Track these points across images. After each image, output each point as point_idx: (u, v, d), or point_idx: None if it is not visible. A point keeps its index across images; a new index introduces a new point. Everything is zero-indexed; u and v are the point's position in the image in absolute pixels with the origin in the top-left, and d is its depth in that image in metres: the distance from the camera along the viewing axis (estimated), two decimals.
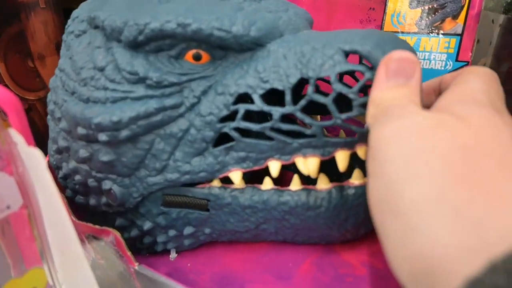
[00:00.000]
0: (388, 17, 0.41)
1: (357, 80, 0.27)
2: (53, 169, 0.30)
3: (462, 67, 0.39)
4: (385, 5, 0.40)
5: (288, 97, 0.23)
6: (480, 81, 0.18)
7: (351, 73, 0.28)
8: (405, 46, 0.21)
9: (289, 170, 0.29)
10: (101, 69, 0.25)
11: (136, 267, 0.26)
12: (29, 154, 0.18)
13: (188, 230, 0.27)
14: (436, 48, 0.40)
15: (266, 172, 0.25)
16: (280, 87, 0.23)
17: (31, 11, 0.47)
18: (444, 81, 0.21)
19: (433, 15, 0.39)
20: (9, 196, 0.18)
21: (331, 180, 0.25)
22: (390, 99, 0.18)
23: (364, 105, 0.21)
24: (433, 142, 0.15)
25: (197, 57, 0.24)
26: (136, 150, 0.25)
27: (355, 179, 0.24)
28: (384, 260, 0.26)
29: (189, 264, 0.28)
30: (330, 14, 0.43)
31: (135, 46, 0.24)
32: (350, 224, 0.25)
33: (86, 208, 0.28)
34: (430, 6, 0.39)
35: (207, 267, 0.27)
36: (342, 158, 0.23)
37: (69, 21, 0.29)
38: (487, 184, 0.13)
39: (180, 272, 0.27)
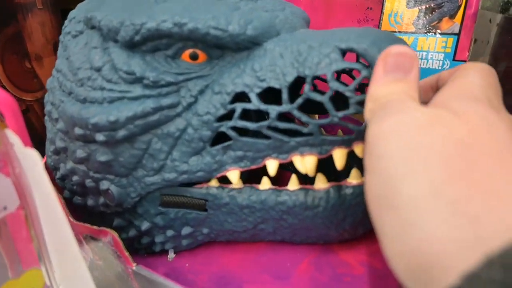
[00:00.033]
0: (386, 17, 0.41)
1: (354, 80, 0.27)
2: (51, 170, 0.30)
3: None
4: (383, 4, 0.41)
5: (285, 96, 0.23)
6: (477, 76, 0.18)
7: (349, 72, 0.29)
8: (402, 44, 0.21)
9: (287, 170, 0.29)
10: (98, 69, 0.25)
11: (134, 268, 0.26)
12: (25, 155, 0.18)
13: (186, 230, 0.27)
14: (434, 47, 0.40)
15: (264, 172, 0.25)
16: (277, 86, 0.23)
17: (28, 12, 0.47)
18: (442, 78, 0.22)
19: (430, 15, 0.39)
20: (6, 197, 0.18)
21: (329, 180, 0.25)
22: (388, 94, 0.18)
23: (360, 103, 0.21)
24: (431, 138, 0.15)
25: (194, 57, 0.24)
26: (134, 150, 0.25)
27: (353, 179, 0.24)
28: (382, 259, 0.27)
29: (187, 264, 0.28)
30: (328, 14, 0.43)
31: (131, 46, 0.24)
32: (348, 223, 0.25)
33: (84, 208, 0.28)
34: (427, 6, 0.39)
35: (205, 267, 0.27)
36: (339, 156, 0.23)
37: (66, 22, 0.29)
38: (484, 180, 0.13)
39: (178, 272, 0.27)
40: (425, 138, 0.15)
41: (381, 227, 0.15)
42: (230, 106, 0.24)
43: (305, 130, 0.23)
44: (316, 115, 0.32)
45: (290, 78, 0.22)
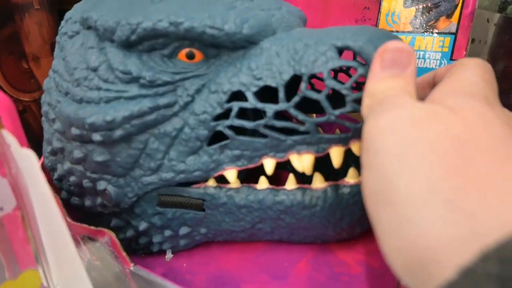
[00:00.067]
0: (383, 16, 0.41)
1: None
2: (48, 170, 0.30)
3: None
4: (380, 4, 0.41)
5: (281, 94, 0.23)
6: (473, 72, 0.18)
7: (346, 71, 0.29)
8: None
9: (285, 169, 0.29)
10: (94, 69, 0.25)
11: (132, 268, 0.26)
12: (22, 155, 0.18)
13: (183, 230, 0.27)
14: (431, 47, 0.40)
15: (261, 171, 0.25)
16: (273, 84, 0.23)
17: (25, 12, 0.47)
18: (438, 74, 0.22)
19: (427, 14, 0.39)
20: (2, 197, 0.18)
21: (327, 179, 0.25)
22: (385, 89, 0.18)
23: (357, 101, 0.21)
24: (428, 134, 0.15)
25: (190, 56, 0.24)
26: (131, 149, 0.24)
27: (350, 178, 0.24)
28: (380, 259, 0.27)
29: (185, 264, 0.28)
30: (325, 13, 0.43)
31: (128, 45, 0.24)
32: (346, 223, 0.25)
33: (82, 209, 0.28)
34: (425, 5, 0.39)
35: (203, 267, 0.27)
36: (336, 155, 0.23)
37: (62, 22, 0.29)
38: (480, 176, 0.13)
39: (176, 273, 0.27)
40: (421, 134, 0.15)
41: (378, 223, 0.15)
42: (226, 105, 0.24)
43: (302, 128, 0.23)
44: (314, 115, 0.32)
45: (286, 77, 0.22)
